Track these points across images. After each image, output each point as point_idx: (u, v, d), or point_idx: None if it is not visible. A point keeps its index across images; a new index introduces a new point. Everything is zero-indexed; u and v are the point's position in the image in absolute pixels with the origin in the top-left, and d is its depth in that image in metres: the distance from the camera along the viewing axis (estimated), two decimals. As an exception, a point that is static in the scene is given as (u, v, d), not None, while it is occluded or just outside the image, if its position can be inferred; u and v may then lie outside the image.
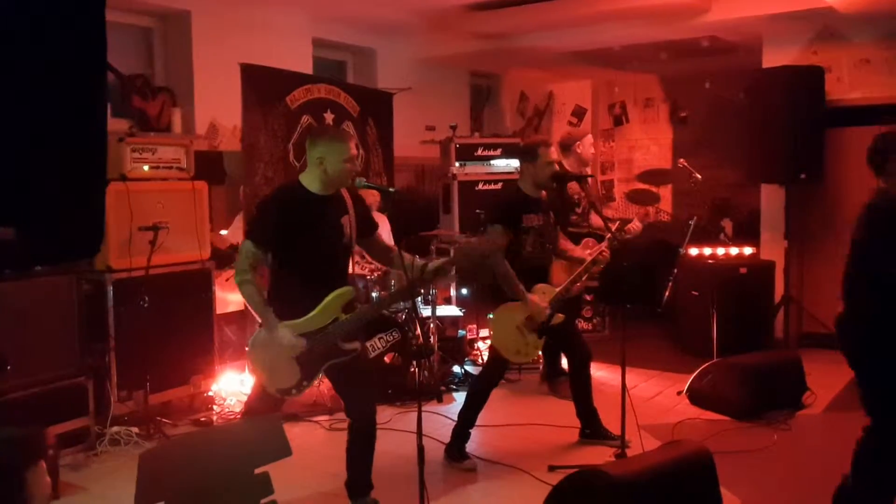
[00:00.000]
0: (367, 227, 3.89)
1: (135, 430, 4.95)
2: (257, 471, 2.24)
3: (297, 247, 3.59)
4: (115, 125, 5.69)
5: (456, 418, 4.70)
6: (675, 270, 6.42)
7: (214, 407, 5.53)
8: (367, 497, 3.86)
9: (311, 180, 3.67)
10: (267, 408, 3.70)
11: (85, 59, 1.68)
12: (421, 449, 3.29)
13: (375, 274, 6.10)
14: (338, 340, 3.61)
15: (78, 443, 4.70)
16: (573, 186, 5.82)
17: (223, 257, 5.94)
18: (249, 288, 3.53)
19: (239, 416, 4.48)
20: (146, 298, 5.03)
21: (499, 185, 7.54)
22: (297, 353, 3.54)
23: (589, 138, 6.11)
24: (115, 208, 4.99)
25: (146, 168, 5.27)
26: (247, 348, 3.64)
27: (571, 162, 5.99)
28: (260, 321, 3.57)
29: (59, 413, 4.59)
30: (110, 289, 5.01)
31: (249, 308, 3.61)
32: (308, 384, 3.62)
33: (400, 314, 5.97)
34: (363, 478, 3.86)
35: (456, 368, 6.37)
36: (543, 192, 4.73)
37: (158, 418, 5.13)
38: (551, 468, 4.40)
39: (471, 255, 3.86)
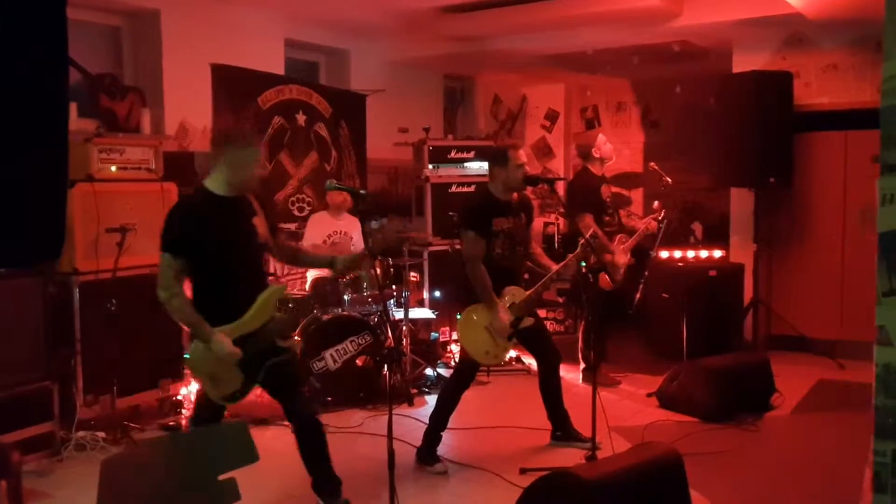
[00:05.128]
0: (273, 228, 3.94)
1: (101, 434, 4.87)
2: (223, 476, 2.21)
3: (216, 251, 3.55)
4: (83, 125, 5.61)
5: (427, 421, 4.68)
6: (646, 273, 6.50)
7: (183, 411, 5.46)
8: (339, 496, 3.83)
9: (218, 184, 3.63)
10: (213, 415, 3.70)
11: (45, 56, 1.64)
12: (392, 452, 3.28)
13: (348, 277, 6.07)
14: (275, 339, 3.64)
15: (42, 448, 4.62)
16: (605, 189, 6.13)
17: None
18: (179, 301, 3.49)
19: (186, 427, 4.43)
20: (113, 301, 4.96)
21: (472, 188, 7.54)
22: (236, 362, 3.53)
23: (601, 137, 6.21)
24: (82, 210, 4.92)
25: (114, 169, 5.19)
26: (186, 357, 3.60)
27: (596, 166, 6.10)
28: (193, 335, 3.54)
29: (23, 418, 4.51)
30: (76, 291, 4.93)
31: (181, 322, 3.57)
32: (251, 387, 3.63)
33: (372, 317, 5.95)
34: (328, 476, 3.84)
35: (429, 371, 6.36)
36: (514, 195, 4.72)
37: (126, 423, 5.06)
38: (522, 471, 4.40)
39: (387, 240, 4.13)
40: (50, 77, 1.65)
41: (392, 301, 6.26)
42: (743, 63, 7.40)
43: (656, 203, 6.29)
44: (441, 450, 4.64)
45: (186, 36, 6.40)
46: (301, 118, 7.11)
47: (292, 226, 6.91)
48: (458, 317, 4.64)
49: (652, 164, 6.45)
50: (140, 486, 2.11)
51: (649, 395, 5.86)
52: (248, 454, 2.25)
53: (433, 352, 6.58)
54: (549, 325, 6.92)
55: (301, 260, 4.33)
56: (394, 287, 6.30)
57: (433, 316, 6.78)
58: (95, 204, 4.96)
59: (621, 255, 5.99)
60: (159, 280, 3.51)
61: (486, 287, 4.48)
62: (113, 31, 6.47)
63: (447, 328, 7.10)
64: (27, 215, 1.62)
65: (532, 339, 4.79)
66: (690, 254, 7.34)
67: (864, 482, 2.62)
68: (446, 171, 7.63)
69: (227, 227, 3.58)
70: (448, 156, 7.66)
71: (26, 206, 1.62)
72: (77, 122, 5.59)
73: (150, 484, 2.13)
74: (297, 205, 7.11)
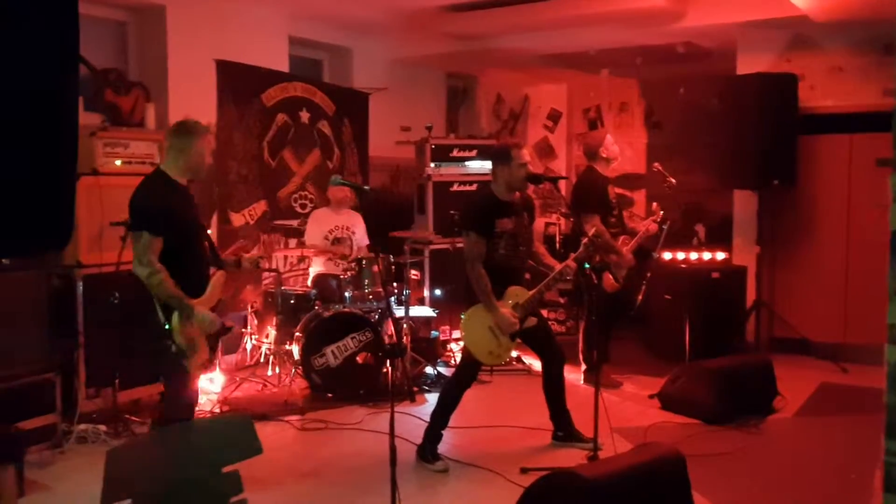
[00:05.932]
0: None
1: (102, 427, 4.87)
2: (227, 469, 2.21)
3: (181, 232, 3.73)
4: (88, 119, 5.62)
5: (428, 419, 4.68)
6: (649, 274, 6.50)
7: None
8: None
9: (176, 170, 3.83)
10: (190, 398, 3.85)
11: (57, 51, 1.64)
12: (393, 450, 3.28)
13: (349, 273, 6.08)
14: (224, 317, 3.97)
15: (44, 440, 4.62)
16: (611, 190, 6.10)
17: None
18: (160, 277, 3.59)
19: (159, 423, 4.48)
20: (116, 294, 4.97)
21: (474, 187, 7.54)
22: (215, 329, 3.79)
23: (609, 138, 6.19)
24: (87, 203, 4.94)
25: (118, 163, 5.21)
26: (168, 328, 3.65)
27: (602, 166, 6.09)
28: (176, 308, 3.65)
29: (25, 410, 4.51)
30: (80, 284, 4.94)
31: (161, 297, 3.63)
32: (212, 360, 3.89)
33: (373, 314, 5.95)
34: None
35: (429, 369, 6.36)
36: (517, 194, 4.72)
37: (127, 416, 5.06)
38: (523, 470, 4.40)
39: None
40: (61, 70, 1.65)
41: (393, 299, 6.25)
42: (747, 65, 7.38)
43: (654, 204, 6.28)
44: (442, 448, 4.64)
45: (191, 32, 6.41)
46: (305, 115, 7.12)
47: (294, 222, 6.93)
48: (462, 317, 4.63)
49: (656, 164, 6.43)
50: (144, 478, 2.12)
51: (651, 396, 5.85)
52: (252, 447, 2.26)
53: (433, 350, 6.58)
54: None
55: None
56: (395, 284, 6.30)
57: (434, 314, 6.78)
58: (100, 197, 4.98)
59: (628, 256, 5.99)
60: (137, 258, 3.61)
61: (486, 288, 4.47)
62: (118, 26, 6.48)
63: (447, 326, 7.10)
64: (37, 205, 1.63)
65: (536, 339, 4.78)
66: (693, 255, 7.33)
67: (875, 481, 2.61)
68: (448, 170, 7.62)
69: (186, 211, 3.83)
70: (450, 154, 7.66)
71: (36, 196, 1.62)
72: (82, 117, 5.58)
73: (154, 475, 2.14)
74: (299, 202, 7.13)
